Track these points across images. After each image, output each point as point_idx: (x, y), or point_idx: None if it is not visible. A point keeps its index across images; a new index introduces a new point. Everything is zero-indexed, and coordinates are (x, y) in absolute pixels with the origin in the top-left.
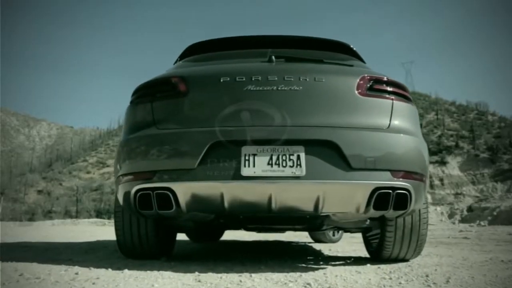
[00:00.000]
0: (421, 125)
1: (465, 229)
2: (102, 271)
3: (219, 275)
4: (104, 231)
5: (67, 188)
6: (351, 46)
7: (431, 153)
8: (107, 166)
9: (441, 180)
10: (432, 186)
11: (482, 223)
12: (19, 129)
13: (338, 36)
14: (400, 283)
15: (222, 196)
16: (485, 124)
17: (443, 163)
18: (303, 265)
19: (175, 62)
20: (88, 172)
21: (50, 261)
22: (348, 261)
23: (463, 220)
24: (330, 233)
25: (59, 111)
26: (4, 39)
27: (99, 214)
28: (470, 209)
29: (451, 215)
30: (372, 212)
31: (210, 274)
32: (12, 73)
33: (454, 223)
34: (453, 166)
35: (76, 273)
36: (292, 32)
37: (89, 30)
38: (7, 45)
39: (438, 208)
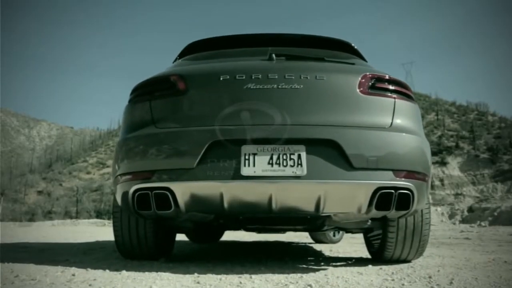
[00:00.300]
0: None
1: (466, 229)
2: (99, 272)
3: (219, 276)
4: (104, 231)
5: (67, 188)
6: (353, 45)
7: (431, 153)
8: (107, 166)
9: (442, 180)
10: (432, 186)
11: (482, 223)
12: (19, 129)
13: (338, 36)
14: (403, 284)
15: (221, 196)
16: (485, 124)
17: (443, 163)
18: (304, 266)
19: (174, 61)
20: (88, 173)
21: (47, 262)
22: (349, 262)
23: (463, 221)
24: (331, 233)
25: (59, 111)
26: (4, 39)
27: (99, 214)
28: (470, 209)
29: (451, 216)
30: (374, 213)
31: (209, 275)
32: (12, 73)
33: (454, 223)
34: (453, 167)
35: (73, 275)
36: (292, 32)
37: (89, 30)
38: (7, 45)
39: (439, 209)
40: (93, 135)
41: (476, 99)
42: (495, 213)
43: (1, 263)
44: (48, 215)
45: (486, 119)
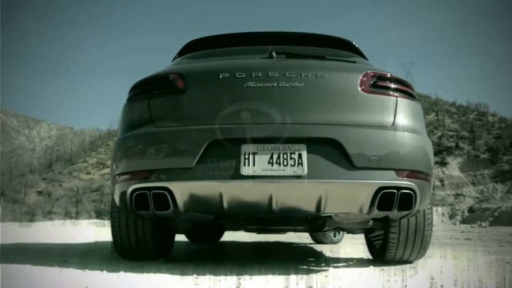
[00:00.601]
0: None
1: (467, 230)
2: (96, 274)
3: (218, 277)
4: (103, 232)
5: (67, 189)
6: (353, 43)
7: None
8: (107, 167)
9: (442, 181)
10: (432, 187)
11: (483, 224)
12: (19, 130)
13: (339, 36)
14: (405, 286)
15: (221, 196)
16: (485, 124)
17: (443, 164)
18: (305, 267)
19: (174, 59)
20: (88, 173)
21: (45, 263)
22: (350, 263)
23: (464, 221)
24: (331, 234)
25: (59, 111)
26: (4, 39)
27: (99, 215)
28: (471, 210)
29: (452, 216)
30: (376, 213)
31: (208, 276)
32: (12, 74)
33: (455, 224)
34: (453, 167)
35: (70, 276)
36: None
37: (89, 30)
38: (7, 45)
39: (439, 209)
40: (93, 135)
41: (476, 99)
42: (496, 214)
43: None
44: (48, 215)
45: (486, 119)
